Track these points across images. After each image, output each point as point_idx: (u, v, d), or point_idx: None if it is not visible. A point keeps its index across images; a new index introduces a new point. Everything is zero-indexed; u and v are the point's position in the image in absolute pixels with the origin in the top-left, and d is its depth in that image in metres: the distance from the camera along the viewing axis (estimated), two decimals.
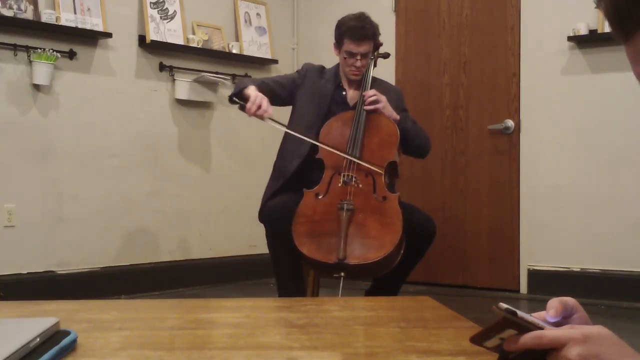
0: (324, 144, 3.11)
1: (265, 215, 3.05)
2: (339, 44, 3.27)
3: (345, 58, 3.23)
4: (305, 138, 3.12)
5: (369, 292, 3.21)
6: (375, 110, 3.15)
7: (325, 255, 2.83)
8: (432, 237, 3.08)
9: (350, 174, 3.04)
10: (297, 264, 2.99)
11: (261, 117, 3.00)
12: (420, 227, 3.03)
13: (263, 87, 3.16)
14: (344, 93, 3.34)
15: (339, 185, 3.03)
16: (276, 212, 3.01)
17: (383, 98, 3.16)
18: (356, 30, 3.18)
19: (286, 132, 3.27)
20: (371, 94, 3.15)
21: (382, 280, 3.11)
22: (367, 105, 3.14)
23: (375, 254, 2.82)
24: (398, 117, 3.19)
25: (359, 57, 3.21)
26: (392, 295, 3.01)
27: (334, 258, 2.79)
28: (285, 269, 3.02)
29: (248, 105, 2.99)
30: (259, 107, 2.97)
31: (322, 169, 3.12)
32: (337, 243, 2.82)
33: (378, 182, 3.02)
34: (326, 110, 3.26)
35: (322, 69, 3.39)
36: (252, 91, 3.04)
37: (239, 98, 3.09)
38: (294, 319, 1.36)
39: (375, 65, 3.35)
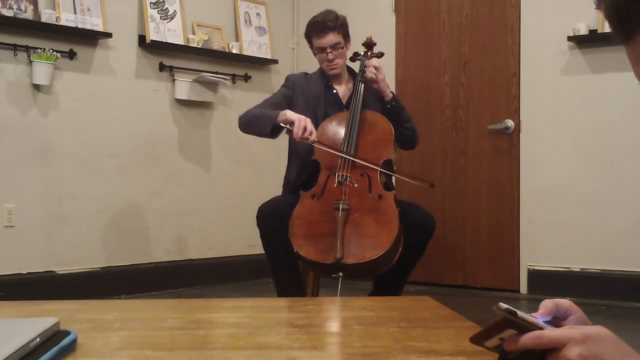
0: (324, 145, 3.11)
1: (259, 218, 3.04)
2: (310, 45, 3.35)
3: (317, 54, 3.31)
4: (332, 150, 3.08)
5: (373, 295, 3.20)
6: (373, 81, 3.19)
7: (323, 255, 2.83)
8: (432, 232, 3.09)
9: (345, 174, 3.04)
10: (296, 266, 2.99)
11: (307, 140, 3.01)
12: (419, 222, 3.03)
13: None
14: (334, 91, 3.35)
15: (335, 185, 3.03)
16: (272, 215, 3.01)
17: (383, 72, 3.23)
18: (317, 24, 3.27)
19: (291, 144, 3.29)
20: (375, 63, 3.21)
21: (384, 280, 3.11)
22: (367, 73, 3.19)
23: (372, 253, 2.82)
24: (391, 94, 3.24)
25: (329, 50, 3.26)
26: (395, 295, 3.01)
27: (331, 258, 2.78)
28: (284, 271, 3.02)
29: (294, 129, 2.99)
30: (305, 129, 2.98)
31: (318, 171, 3.13)
32: (334, 243, 2.81)
33: (374, 181, 3.02)
34: (322, 113, 3.27)
35: (306, 74, 3.42)
36: (291, 115, 3.04)
37: (275, 127, 3.08)
38: (294, 319, 1.36)
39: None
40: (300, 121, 3.00)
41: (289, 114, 3.06)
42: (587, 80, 4.40)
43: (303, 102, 3.29)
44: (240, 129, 3.29)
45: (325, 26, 3.24)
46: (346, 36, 3.32)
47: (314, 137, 3.01)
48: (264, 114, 3.16)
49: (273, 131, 3.11)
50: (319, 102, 3.30)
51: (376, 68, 3.20)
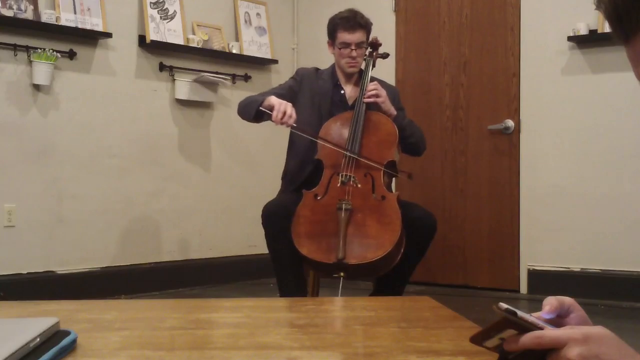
0: (329, 143, 3.11)
1: (264, 217, 3.05)
2: (332, 38, 3.32)
3: (340, 49, 3.27)
4: (336, 147, 3.08)
5: (373, 295, 3.20)
6: (374, 103, 3.16)
7: (325, 255, 2.83)
8: (433, 232, 3.08)
9: (348, 174, 3.04)
10: (298, 264, 2.99)
11: (287, 124, 3.00)
12: (420, 221, 3.02)
13: None
14: (342, 92, 3.35)
15: (338, 185, 3.03)
16: (275, 213, 3.01)
17: (383, 93, 3.20)
18: (348, 20, 3.25)
19: (291, 140, 3.30)
20: (372, 87, 3.18)
21: (385, 281, 3.11)
22: (367, 97, 3.16)
23: (374, 254, 2.82)
24: (395, 112, 3.22)
25: (353, 47, 3.25)
26: (396, 295, 3.01)
27: (333, 258, 2.79)
28: (286, 269, 3.02)
29: (274, 113, 2.97)
30: (284, 113, 2.96)
31: (321, 170, 3.13)
32: (336, 243, 2.82)
33: (377, 182, 3.02)
34: (326, 111, 3.27)
35: (316, 70, 3.41)
36: (274, 100, 3.03)
37: (259, 112, 3.07)
38: (294, 319, 1.36)
39: (374, 66, 3.35)
40: (280, 105, 2.98)
41: (272, 99, 3.05)
42: (587, 80, 4.40)
43: (309, 97, 3.29)
44: (238, 114, 3.29)
45: (356, 23, 3.24)
46: (368, 37, 3.32)
47: (292, 121, 2.99)
48: (254, 98, 3.16)
49: (256, 116, 3.11)
50: (325, 100, 3.30)
51: (377, 94, 3.16)
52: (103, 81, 4.42)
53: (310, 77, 3.35)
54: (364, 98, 3.17)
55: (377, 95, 3.16)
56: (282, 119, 2.96)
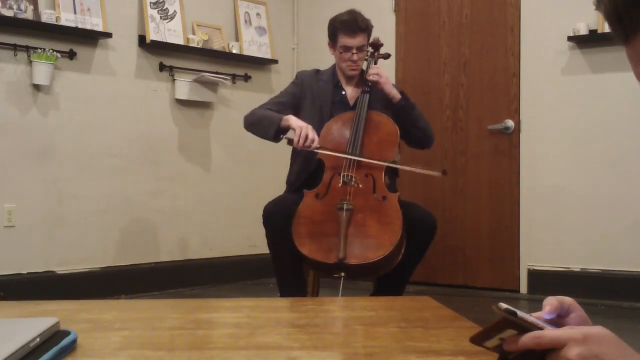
0: (326, 149, 3.11)
1: (265, 216, 3.05)
2: (333, 41, 3.30)
3: (341, 53, 3.26)
4: (341, 155, 3.09)
5: (374, 296, 3.20)
6: (376, 83, 3.18)
7: (325, 255, 2.83)
8: (433, 232, 3.08)
9: (349, 174, 3.04)
10: (299, 264, 2.99)
11: (309, 148, 3.01)
12: (421, 221, 3.02)
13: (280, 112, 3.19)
14: (343, 92, 3.34)
15: (339, 185, 3.03)
16: (276, 213, 3.01)
17: (385, 74, 3.21)
18: (349, 24, 3.23)
19: (294, 148, 3.32)
20: (374, 70, 3.20)
21: (385, 281, 3.10)
22: (369, 76, 3.19)
23: (375, 254, 2.82)
24: (399, 95, 3.22)
25: (354, 51, 3.24)
26: (396, 295, 3.01)
27: (333, 258, 2.79)
28: (286, 269, 3.02)
29: (295, 139, 3.00)
30: (306, 137, 2.99)
31: (322, 170, 3.13)
32: (337, 243, 2.82)
33: (378, 182, 3.02)
34: (327, 112, 3.27)
35: (317, 71, 3.41)
36: (293, 122, 3.04)
37: (278, 131, 3.09)
38: (294, 319, 1.36)
39: (375, 65, 3.35)
40: (302, 129, 3.00)
41: (292, 120, 3.06)
42: (587, 80, 4.40)
43: (310, 100, 3.30)
44: (245, 129, 3.30)
45: (357, 27, 3.22)
46: (369, 40, 3.32)
47: (315, 144, 3.01)
48: (268, 117, 3.16)
49: (276, 137, 3.13)
50: (326, 102, 3.30)
51: (378, 74, 3.18)
52: (103, 81, 4.42)
53: (311, 79, 3.35)
54: (367, 77, 3.19)
55: (378, 75, 3.17)
56: (304, 144, 2.98)
